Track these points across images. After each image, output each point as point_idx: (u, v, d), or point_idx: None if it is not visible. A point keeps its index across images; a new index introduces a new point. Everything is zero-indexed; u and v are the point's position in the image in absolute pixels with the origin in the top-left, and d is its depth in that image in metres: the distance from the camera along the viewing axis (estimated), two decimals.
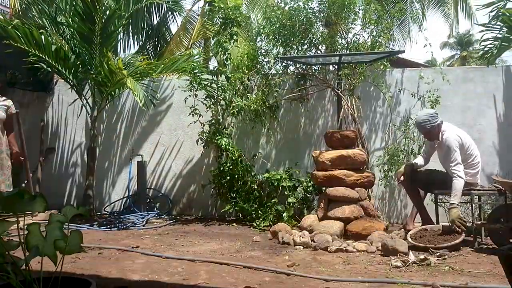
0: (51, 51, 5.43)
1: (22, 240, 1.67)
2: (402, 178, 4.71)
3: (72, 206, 1.86)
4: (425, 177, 4.64)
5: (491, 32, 5.22)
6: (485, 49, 5.30)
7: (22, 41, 5.19)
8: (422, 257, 3.52)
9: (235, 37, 5.76)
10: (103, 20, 5.47)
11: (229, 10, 5.77)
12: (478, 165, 4.50)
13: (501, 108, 5.77)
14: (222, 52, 5.73)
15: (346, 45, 6.08)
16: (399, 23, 8.70)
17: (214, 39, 6.43)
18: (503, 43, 5.04)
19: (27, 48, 5.25)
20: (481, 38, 5.36)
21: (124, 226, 5.25)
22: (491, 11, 5.25)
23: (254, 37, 6.38)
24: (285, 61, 6.11)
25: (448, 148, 4.37)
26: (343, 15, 5.86)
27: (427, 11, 9.68)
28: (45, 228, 1.72)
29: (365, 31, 6.04)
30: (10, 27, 5.10)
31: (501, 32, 5.06)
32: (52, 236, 1.64)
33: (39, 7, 6.02)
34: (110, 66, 5.23)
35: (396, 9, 6.24)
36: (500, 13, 4.98)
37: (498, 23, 5.03)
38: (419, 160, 4.76)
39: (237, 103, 5.62)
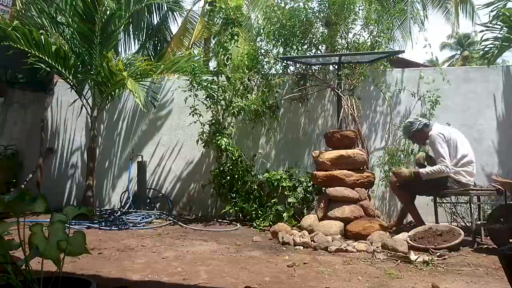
0: (51, 51, 5.42)
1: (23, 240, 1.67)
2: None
3: (74, 206, 1.86)
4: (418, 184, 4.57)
5: (492, 32, 5.22)
6: (486, 49, 5.30)
7: (22, 42, 5.18)
8: (421, 258, 3.53)
9: (236, 37, 5.76)
10: (103, 20, 5.47)
11: (230, 10, 5.77)
12: (472, 165, 4.47)
13: (501, 108, 5.77)
14: (223, 52, 5.73)
15: (346, 45, 6.08)
16: (400, 23, 8.68)
17: (215, 39, 6.42)
18: (503, 43, 5.04)
19: (27, 49, 5.25)
20: (481, 38, 5.37)
21: (125, 226, 5.26)
22: (492, 11, 5.25)
23: (254, 37, 6.38)
24: (285, 61, 6.11)
25: (432, 144, 4.52)
26: (343, 15, 5.86)
27: (428, 11, 9.67)
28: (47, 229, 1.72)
29: (365, 31, 6.05)
30: (9, 28, 5.09)
31: (501, 32, 5.06)
32: (54, 238, 1.63)
33: (39, 6, 6.02)
34: (110, 67, 5.22)
35: (397, 9, 6.24)
36: (500, 13, 4.98)
37: (499, 23, 5.03)
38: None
39: (237, 103, 5.63)
